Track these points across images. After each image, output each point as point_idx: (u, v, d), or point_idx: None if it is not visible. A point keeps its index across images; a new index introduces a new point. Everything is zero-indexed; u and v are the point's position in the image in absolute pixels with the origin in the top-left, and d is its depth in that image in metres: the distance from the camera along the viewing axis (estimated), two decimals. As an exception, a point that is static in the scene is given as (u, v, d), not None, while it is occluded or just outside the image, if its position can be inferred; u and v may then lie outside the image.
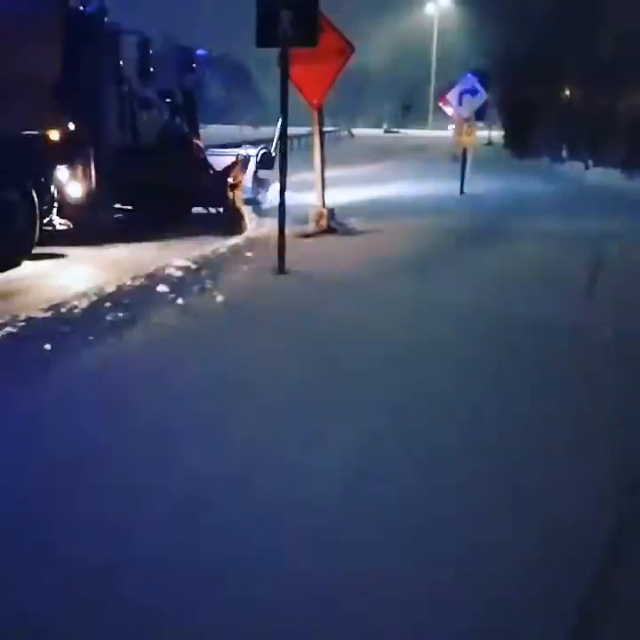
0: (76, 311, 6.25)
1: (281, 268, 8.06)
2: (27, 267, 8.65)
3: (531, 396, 4.64)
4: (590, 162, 24.46)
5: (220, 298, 6.89)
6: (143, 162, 10.94)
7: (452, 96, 17.19)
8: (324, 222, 11.04)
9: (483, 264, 8.91)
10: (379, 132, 69.88)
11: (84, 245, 9.67)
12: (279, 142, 8.46)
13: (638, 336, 5.94)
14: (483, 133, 37.36)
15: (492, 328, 6.14)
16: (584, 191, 19.46)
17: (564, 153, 27.63)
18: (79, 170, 10.10)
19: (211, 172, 11.35)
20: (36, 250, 9.01)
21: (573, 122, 27.54)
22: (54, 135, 9.50)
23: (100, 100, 10.60)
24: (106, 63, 10.67)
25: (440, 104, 18.93)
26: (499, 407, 4.45)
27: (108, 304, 6.50)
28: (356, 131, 60.27)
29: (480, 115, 17.83)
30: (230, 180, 11.07)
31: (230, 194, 11.03)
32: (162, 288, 7.05)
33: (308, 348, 5.54)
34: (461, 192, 17.00)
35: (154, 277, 7.57)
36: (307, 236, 10.55)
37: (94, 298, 6.70)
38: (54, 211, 9.61)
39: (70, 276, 8.43)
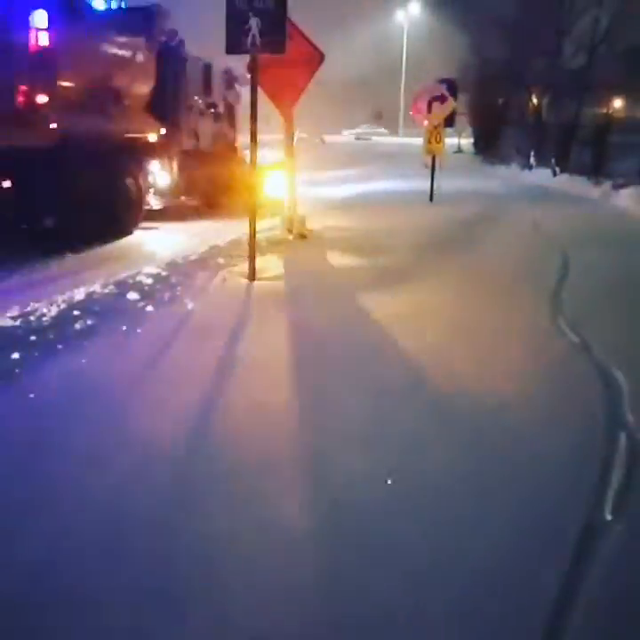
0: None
1: (252, 276, 8.06)
2: (135, 235, 12.01)
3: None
4: (557, 169, 24.74)
5: (190, 305, 6.88)
6: (200, 160, 14.43)
7: (422, 104, 17.31)
8: (294, 228, 11.06)
9: (453, 273, 8.99)
10: (350, 139, 70.29)
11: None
12: (251, 150, 8.48)
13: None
14: (452, 141, 37.74)
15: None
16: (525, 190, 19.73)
17: (532, 160, 27.92)
18: (166, 164, 13.48)
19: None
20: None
21: (541, 129, 27.87)
22: (151, 138, 12.99)
23: (178, 112, 13.88)
24: (182, 83, 14.00)
25: (411, 113, 19.00)
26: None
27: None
28: (328, 137, 60.55)
29: (449, 122, 17.96)
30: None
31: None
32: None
33: (269, 355, 5.56)
34: (431, 199, 17.10)
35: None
36: (277, 242, 10.58)
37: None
38: (151, 193, 13.05)
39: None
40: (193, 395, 4.58)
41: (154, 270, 8.26)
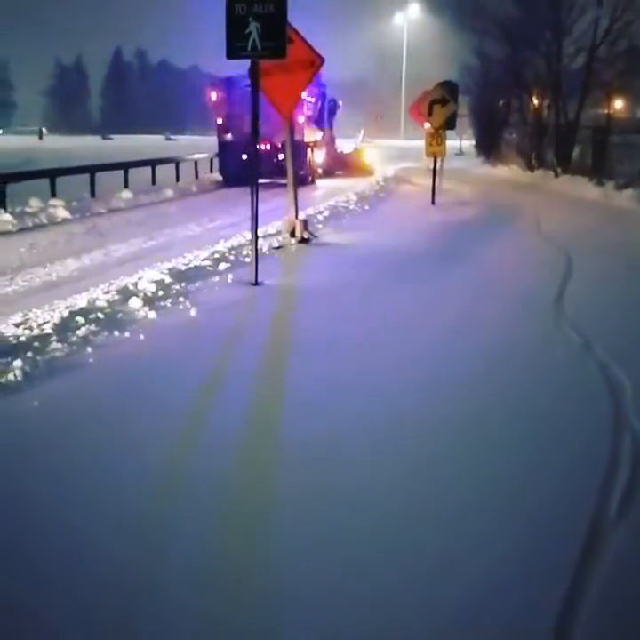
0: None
1: (255, 281, 8.05)
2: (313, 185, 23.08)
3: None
4: (559, 170, 24.69)
5: (193, 311, 6.84)
6: (329, 150, 28.11)
7: (423, 106, 17.32)
8: (297, 233, 11.05)
9: (457, 275, 8.98)
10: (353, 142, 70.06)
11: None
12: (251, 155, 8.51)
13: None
14: (454, 143, 37.70)
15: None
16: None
17: (534, 161, 27.87)
18: (322, 154, 26.94)
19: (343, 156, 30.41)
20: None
21: (542, 131, 27.81)
22: (314, 140, 25.54)
23: (324, 128, 27.52)
24: (328, 113, 28.55)
25: (410, 116, 19.01)
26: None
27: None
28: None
29: (450, 124, 17.94)
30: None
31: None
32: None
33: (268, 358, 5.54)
34: (433, 202, 17.09)
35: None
36: (280, 247, 10.57)
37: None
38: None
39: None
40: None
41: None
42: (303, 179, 21.99)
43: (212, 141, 26.76)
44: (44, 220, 14.61)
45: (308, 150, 24.51)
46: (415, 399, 4.73)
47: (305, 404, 4.57)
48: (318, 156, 26.04)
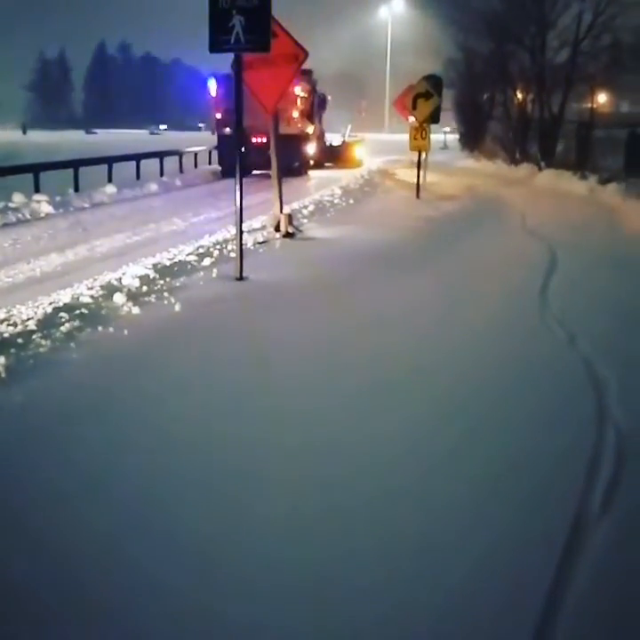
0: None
1: (240, 276, 8.02)
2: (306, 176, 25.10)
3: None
4: (543, 164, 24.76)
5: (177, 307, 6.80)
6: (319, 143, 29.32)
7: (407, 100, 17.32)
8: (282, 228, 11.03)
9: (445, 264, 8.99)
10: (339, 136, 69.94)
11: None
12: (236, 149, 8.48)
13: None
14: (438, 137, 37.74)
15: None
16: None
17: (518, 155, 27.94)
18: (313, 147, 27.81)
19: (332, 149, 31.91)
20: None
21: (526, 125, 27.87)
22: (304, 134, 26.38)
23: (315, 122, 28.29)
24: (318, 107, 29.27)
25: (395, 108, 19.01)
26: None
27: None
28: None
29: (434, 118, 17.95)
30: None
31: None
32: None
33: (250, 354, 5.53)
34: (417, 197, 17.11)
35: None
36: (265, 241, 10.55)
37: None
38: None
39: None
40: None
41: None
42: (297, 170, 24.71)
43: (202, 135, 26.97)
44: (28, 216, 14.53)
45: (302, 143, 25.96)
46: (391, 394, 4.74)
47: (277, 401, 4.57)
48: (310, 149, 27.45)
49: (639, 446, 3.97)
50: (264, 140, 21.24)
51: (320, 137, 29.97)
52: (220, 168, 25.00)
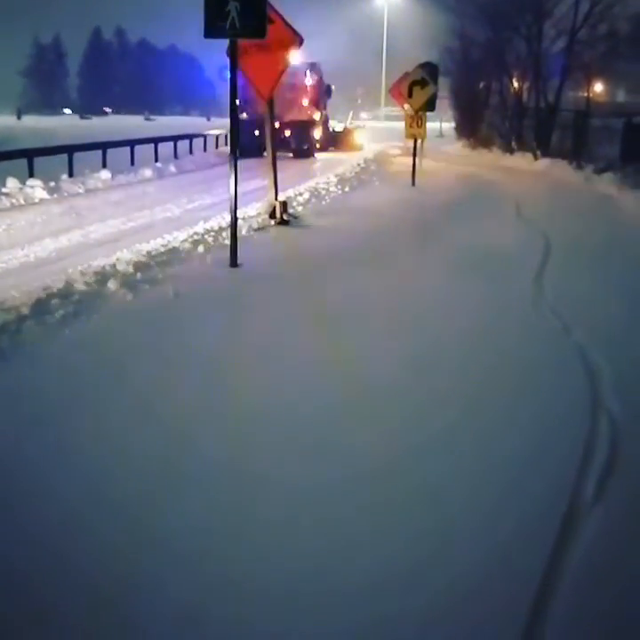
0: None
1: (233, 262, 8.01)
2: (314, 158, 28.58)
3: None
4: (539, 152, 24.75)
5: (169, 293, 6.77)
6: (325, 128, 32.38)
7: (403, 88, 17.27)
8: (277, 215, 11.01)
9: (435, 255, 8.99)
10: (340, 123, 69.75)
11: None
12: (231, 135, 8.46)
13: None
14: (434, 125, 37.68)
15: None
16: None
17: (514, 144, 27.92)
18: (319, 132, 30.84)
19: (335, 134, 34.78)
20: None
21: (522, 113, 27.85)
22: (313, 120, 30.02)
23: (321, 109, 31.66)
24: (324, 96, 32.06)
25: (391, 96, 18.96)
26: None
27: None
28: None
29: (430, 106, 17.89)
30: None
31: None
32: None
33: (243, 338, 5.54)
34: (413, 184, 17.08)
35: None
36: (259, 228, 10.53)
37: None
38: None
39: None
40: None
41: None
42: (306, 152, 28.70)
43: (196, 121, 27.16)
44: (22, 201, 14.48)
45: (311, 128, 29.59)
46: (384, 377, 4.75)
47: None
48: (317, 134, 30.39)
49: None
50: (277, 124, 23.32)
51: (325, 123, 32.62)
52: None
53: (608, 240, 10.33)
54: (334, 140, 33.70)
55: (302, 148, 28.48)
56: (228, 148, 8.60)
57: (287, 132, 27.65)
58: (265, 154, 19.58)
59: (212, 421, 4.02)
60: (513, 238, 10.50)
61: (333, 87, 33.96)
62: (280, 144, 24.26)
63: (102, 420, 4.02)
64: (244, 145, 25.87)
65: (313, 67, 30.05)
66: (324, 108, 32.29)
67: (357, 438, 3.86)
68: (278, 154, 21.60)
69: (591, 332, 5.78)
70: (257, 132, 22.66)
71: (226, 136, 28.70)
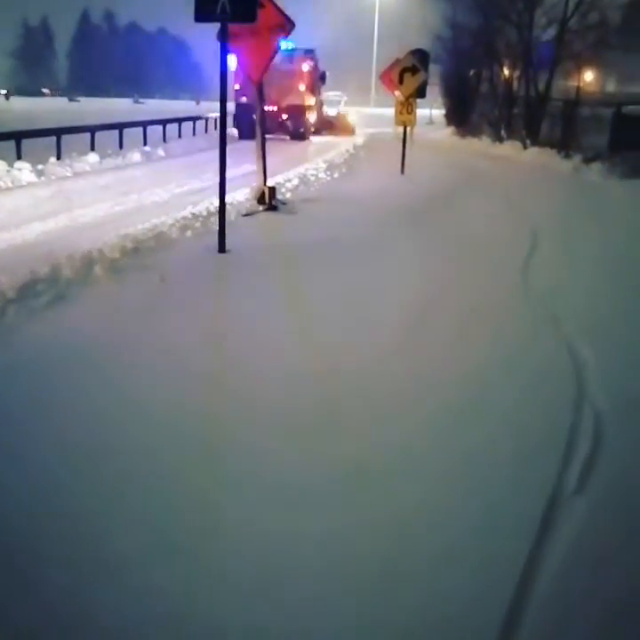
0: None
1: (221, 247, 8.00)
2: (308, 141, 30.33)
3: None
4: (528, 141, 24.74)
5: (155, 278, 6.76)
6: (319, 113, 34.15)
7: (394, 74, 17.22)
8: (265, 200, 10.99)
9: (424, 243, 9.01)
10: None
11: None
12: (220, 120, 8.43)
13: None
14: (424, 112, 37.61)
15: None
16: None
17: (503, 132, 27.90)
18: (314, 116, 32.61)
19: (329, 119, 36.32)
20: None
21: (511, 102, 27.83)
22: (309, 105, 31.55)
23: (316, 95, 33.36)
24: (319, 82, 33.78)
25: (382, 82, 18.91)
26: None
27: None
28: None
29: (421, 93, 17.84)
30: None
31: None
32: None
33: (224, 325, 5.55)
34: (402, 172, 17.05)
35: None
36: (248, 214, 10.51)
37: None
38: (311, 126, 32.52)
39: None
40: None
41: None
42: (302, 135, 30.57)
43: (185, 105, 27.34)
44: (9, 184, 14.38)
45: (306, 113, 31.26)
46: (368, 369, 4.78)
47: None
48: (312, 118, 32.14)
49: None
50: (275, 108, 28.21)
51: (320, 108, 34.45)
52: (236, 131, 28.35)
53: (594, 228, 10.38)
54: (328, 125, 35.15)
55: (298, 131, 30.36)
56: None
57: (284, 116, 29.87)
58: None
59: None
60: (501, 228, 10.52)
61: (328, 73, 35.44)
62: (277, 127, 28.50)
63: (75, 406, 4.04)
64: (243, 127, 27.45)
65: (309, 54, 31.90)
66: (319, 94, 33.95)
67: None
68: (275, 136, 26.18)
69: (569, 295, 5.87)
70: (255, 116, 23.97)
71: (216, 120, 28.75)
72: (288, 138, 29.68)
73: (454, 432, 3.87)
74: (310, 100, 31.67)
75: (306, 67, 31.32)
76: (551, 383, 4.58)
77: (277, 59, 27.69)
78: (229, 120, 30.48)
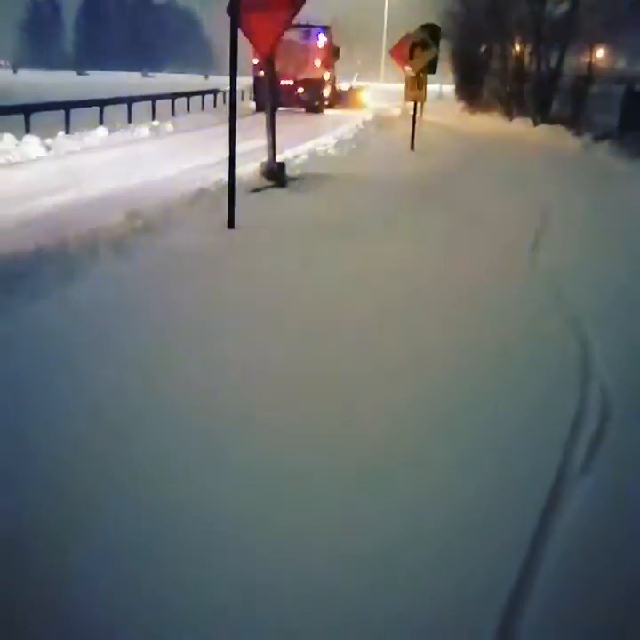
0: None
1: (231, 223, 8.00)
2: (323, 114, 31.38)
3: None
4: (538, 118, 24.59)
5: (163, 253, 6.78)
6: (332, 87, 35.26)
7: (404, 50, 17.09)
8: (274, 176, 10.96)
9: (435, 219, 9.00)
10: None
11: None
12: (231, 94, 8.39)
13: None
14: (434, 88, 37.35)
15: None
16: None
17: (514, 109, 27.71)
18: (328, 90, 33.47)
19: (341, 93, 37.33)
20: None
21: (522, 78, 27.60)
22: (323, 79, 32.70)
23: (331, 69, 34.04)
24: (333, 57, 34.29)
25: (392, 57, 18.78)
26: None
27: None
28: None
29: (431, 69, 17.71)
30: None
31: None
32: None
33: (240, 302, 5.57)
34: (412, 148, 16.96)
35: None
36: (256, 190, 10.48)
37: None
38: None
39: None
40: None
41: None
42: (317, 108, 31.90)
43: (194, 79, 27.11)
44: (19, 158, 14.35)
45: (321, 87, 32.58)
46: (373, 349, 4.81)
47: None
48: (326, 92, 33.18)
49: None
50: (291, 82, 30.57)
51: (334, 82, 35.49)
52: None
53: (601, 204, 10.36)
54: (341, 99, 36.24)
55: (313, 105, 31.80)
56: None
57: (300, 90, 31.38)
58: (280, 109, 21.52)
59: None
60: (512, 205, 10.49)
61: (341, 49, 36.51)
62: (293, 100, 30.59)
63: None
64: (261, 100, 28.35)
65: (325, 30, 33.47)
66: (333, 69, 34.92)
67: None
68: (291, 109, 29.23)
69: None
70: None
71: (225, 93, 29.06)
72: (303, 111, 30.99)
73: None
74: (325, 75, 32.87)
75: (321, 43, 32.75)
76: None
77: (295, 35, 28.50)
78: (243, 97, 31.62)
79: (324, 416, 3.72)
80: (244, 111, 22.89)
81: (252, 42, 10.36)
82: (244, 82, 25.33)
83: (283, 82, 28.45)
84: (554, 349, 4.83)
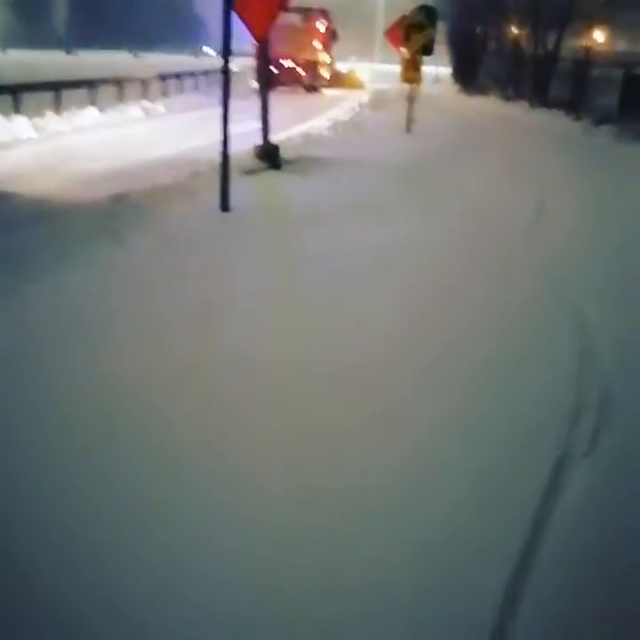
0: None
1: (225, 206, 7.84)
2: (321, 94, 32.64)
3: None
4: (535, 101, 24.42)
5: (156, 236, 6.63)
6: (331, 72, 36.15)
7: (400, 31, 16.86)
8: (268, 158, 10.80)
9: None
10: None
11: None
12: (223, 75, 8.20)
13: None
14: (430, 70, 37.15)
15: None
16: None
17: (511, 92, 27.52)
18: (327, 70, 34.82)
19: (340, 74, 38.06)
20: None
21: (520, 61, 27.40)
22: (322, 60, 34.24)
23: (329, 51, 35.21)
24: (332, 40, 35.60)
25: (387, 38, 18.56)
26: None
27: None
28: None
29: (428, 51, 17.45)
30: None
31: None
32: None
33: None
34: (408, 131, 16.78)
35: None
36: (250, 171, 10.32)
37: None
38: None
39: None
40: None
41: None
42: (315, 88, 33.36)
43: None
44: (8, 139, 14.11)
45: (320, 68, 34.05)
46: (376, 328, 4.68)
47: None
48: (325, 73, 34.55)
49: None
50: (291, 63, 32.07)
51: (332, 64, 36.67)
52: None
53: (602, 193, 10.25)
54: (339, 80, 37.09)
55: (312, 85, 33.24)
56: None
57: (300, 70, 32.74)
58: (278, 88, 21.81)
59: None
60: (511, 188, 10.35)
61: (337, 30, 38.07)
62: (293, 80, 31.93)
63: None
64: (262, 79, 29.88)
65: (324, 13, 34.76)
66: (331, 50, 36.27)
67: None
68: (290, 89, 30.57)
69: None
70: (275, 70, 26.59)
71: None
72: (303, 91, 32.36)
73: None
74: (324, 57, 34.25)
75: (320, 25, 34.02)
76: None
77: (295, 17, 30.36)
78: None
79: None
80: (246, 91, 22.71)
81: (245, 24, 10.14)
82: (249, 63, 24.76)
83: (285, 63, 30.76)
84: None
